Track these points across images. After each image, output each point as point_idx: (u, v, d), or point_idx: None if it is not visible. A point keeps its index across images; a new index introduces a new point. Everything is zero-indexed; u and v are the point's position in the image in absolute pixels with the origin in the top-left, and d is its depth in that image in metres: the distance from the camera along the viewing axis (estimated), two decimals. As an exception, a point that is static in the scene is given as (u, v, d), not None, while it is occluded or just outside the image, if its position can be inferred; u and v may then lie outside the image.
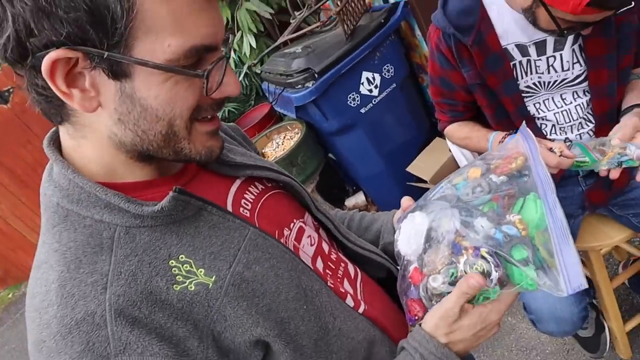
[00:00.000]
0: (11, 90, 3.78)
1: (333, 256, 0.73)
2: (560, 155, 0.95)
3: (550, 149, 0.98)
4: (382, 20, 2.11)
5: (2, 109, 3.89)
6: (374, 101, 2.21)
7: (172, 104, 0.49)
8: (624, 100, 1.07)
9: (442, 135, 2.35)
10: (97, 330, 0.46)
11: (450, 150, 2.15)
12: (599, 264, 1.29)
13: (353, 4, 2.13)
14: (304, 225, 0.71)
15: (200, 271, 0.53)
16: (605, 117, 1.09)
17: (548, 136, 1.17)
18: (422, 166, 2.22)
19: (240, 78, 2.89)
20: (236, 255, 0.56)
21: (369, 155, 2.34)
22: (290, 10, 2.51)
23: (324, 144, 2.48)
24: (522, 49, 1.06)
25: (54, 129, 0.56)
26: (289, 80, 2.12)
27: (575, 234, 1.22)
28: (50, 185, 0.53)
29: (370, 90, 2.19)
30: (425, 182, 2.19)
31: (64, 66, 0.45)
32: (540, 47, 1.04)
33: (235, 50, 2.68)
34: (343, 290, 0.69)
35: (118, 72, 0.46)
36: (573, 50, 1.03)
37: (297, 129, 2.39)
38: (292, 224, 0.69)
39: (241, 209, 0.63)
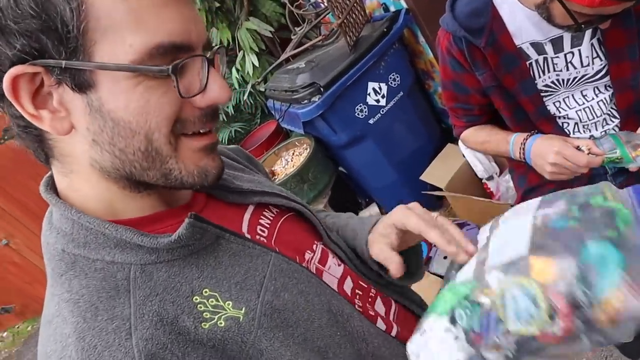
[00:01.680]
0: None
1: (362, 282, 0.69)
2: (588, 153, 0.90)
3: (578, 148, 0.93)
4: (385, 29, 2.09)
5: (12, 144, 3.92)
6: (382, 111, 2.18)
7: (145, 114, 0.44)
8: None
9: (453, 141, 2.32)
10: None
11: (463, 156, 2.11)
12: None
13: (354, 16, 2.11)
14: (326, 248, 0.66)
15: (228, 304, 0.48)
16: (631, 110, 1.04)
17: (571, 135, 1.12)
18: (436, 174, 2.17)
19: (245, 97, 2.88)
20: (262, 284, 0.52)
21: (381, 166, 2.30)
22: (291, 27, 2.50)
23: (333, 158, 2.45)
24: (538, 47, 1.01)
25: (49, 173, 0.53)
26: (294, 96, 2.09)
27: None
28: (52, 233, 0.49)
29: (378, 101, 2.16)
30: (440, 189, 2.14)
31: (28, 84, 0.42)
32: (557, 43, 1.00)
33: (238, 70, 2.67)
34: (373, 313, 0.64)
35: (82, 83, 0.42)
36: (592, 44, 0.98)
37: (305, 145, 2.36)
38: (314, 246, 0.64)
39: (257, 235, 0.59)
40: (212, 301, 0.48)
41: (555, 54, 1.01)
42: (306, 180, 2.15)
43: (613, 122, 1.09)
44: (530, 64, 1.04)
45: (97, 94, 0.43)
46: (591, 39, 0.98)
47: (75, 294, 0.45)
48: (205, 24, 2.64)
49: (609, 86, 1.03)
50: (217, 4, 2.54)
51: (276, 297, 0.51)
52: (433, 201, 2.39)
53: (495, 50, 1.02)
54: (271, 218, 0.62)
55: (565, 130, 1.11)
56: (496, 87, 1.07)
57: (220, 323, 0.47)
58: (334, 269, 0.64)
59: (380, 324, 0.64)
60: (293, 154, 2.40)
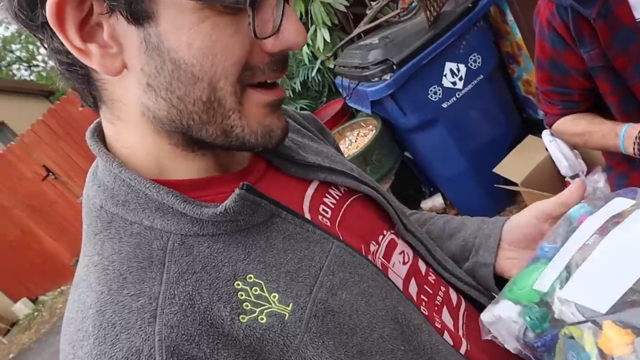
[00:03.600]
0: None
1: (431, 278, 0.58)
2: None
3: None
4: (470, 5, 1.91)
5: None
6: (458, 95, 2.01)
7: (211, 55, 0.37)
8: None
9: (535, 133, 2.10)
10: None
11: (546, 149, 1.90)
12: None
13: (436, -11, 1.95)
14: (396, 239, 0.57)
15: (274, 296, 0.41)
16: None
17: None
18: (512, 167, 1.98)
19: (313, 74, 2.82)
20: (318, 277, 0.43)
21: (451, 154, 2.15)
22: (367, 1, 2.38)
23: (400, 142, 2.33)
24: None
25: (98, 119, 0.47)
26: (364, 73, 1.99)
27: None
28: (94, 185, 0.44)
29: (454, 83, 2.00)
30: (515, 184, 1.96)
31: (75, 11, 0.36)
32: None
33: (308, 45, 2.60)
34: (440, 325, 0.54)
35: (139, 13, 0.36)
36: None
37: (371, 126, 2.26)
38: (381, 237, 0.55)
39: (320, 216, 0.50)
40: (255, 290, 0.41)
41: None
42: (369, 162, 2.06)
43: None
44: None
45: (156, 27, 0.37)
46: None
47: (105, 258, 0.40)
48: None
49: None
50: (293, -25, 2.48)
51: (332, 296, 0.43)
52: (506, 196, 2.20)
53: (608, 23, 0.86)
54: (337, 197, 0.54)
55: None
56: (604, 68, 0.91)
57: (262, 319, 0.39)
58: (397, 267, 0.55)
59: (447, 338, 0.53)
60: (358, 134, 2.31)
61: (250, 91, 0.41)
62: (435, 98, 1.99)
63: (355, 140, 2.30)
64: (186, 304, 0.38)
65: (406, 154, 2.44)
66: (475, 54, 1.99)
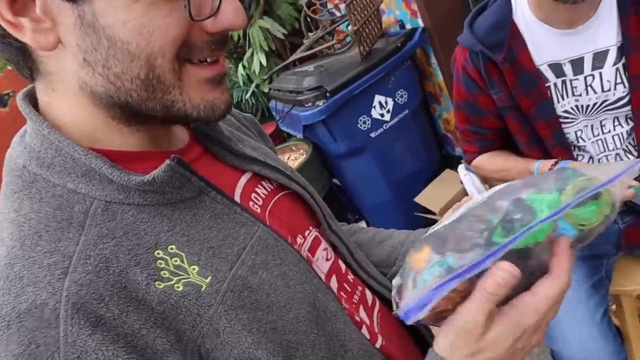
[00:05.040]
0: (10, 94, 3.70)
1: (350, 277, 0.61)
2: None
3: None
4: (399, 45, 2.07)
5: (1, 112, 3.80)
6: (385, 126, 2.13)
7: (147, 34, 0.37)
8: None
9: (452, 167, 2.27)
10: (45, 328, 0.34)
11: (461, 182, 2.06)
12: (631, 310, 1.17)
13: (369, 27, 2.09)
14: (320, 236, 0.59)
15: (193, 268, 0.41)
16: None
17: None
18: (431, 197, 2.12)
19: (247, 96, 2.83)
20: (240, 255, 0.44)
21: (376, 182, 2.24)
22: (304, 31, 2.47)
23: (329, 168, 2.39)
24: (557, 68, 0.97)
25: (30, 85, 0.46)
26: (299, 98, 2.04)
27: (610, 275, 1.10)
28: (19, 147, 0.42)
29: (382, 115, 2.12)
30: (433, 214, 2.08)
31: None
32: (577, 65, 0.96)
33: (244, 67, 2.62)
34: (358, 319, 0.57)
35: None
36: (617, 69, 0.95)
37: (302, 150, 2.30)
38: (307, 232, 0.57)
39: (251, 202, 0.52)
40: (175, 260, 0.41)
41: (574, 75, 0.97)
42: (298, 185, 2.08)
43: (629, 158, 1.04)
44: (549, 86, 1.00)
45: (90, 5, 0.37)
46: (615, 63, 0.94)
47: (22, 216, 0.38)
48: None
49: (630, 118, 0.99)
50: (233, -2, 2.51)
51: (252, 274, 0.44)
52: (425, 224, 2.33)
53: (514, 68, 0.98)
54: (269, 190, 0.56)
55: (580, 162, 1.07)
56: (512, 108, 1.03)
57: (178, 287, 0.40)
58: (321, 262, 0.57)
59: (365, 332, 0.56)
60: (288, 158, 2.34)
61: (189, 67, 0.42)
62: (364, 127, 2.09)
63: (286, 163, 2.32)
64: (101, 266, 0.37)
65: (335, 180, 2.50)
66: (402, 90, 2.13)
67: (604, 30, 0.92)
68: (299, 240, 0.55)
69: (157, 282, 0.39)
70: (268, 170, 0.56)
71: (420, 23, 2.14)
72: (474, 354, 0.39)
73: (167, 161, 0.41)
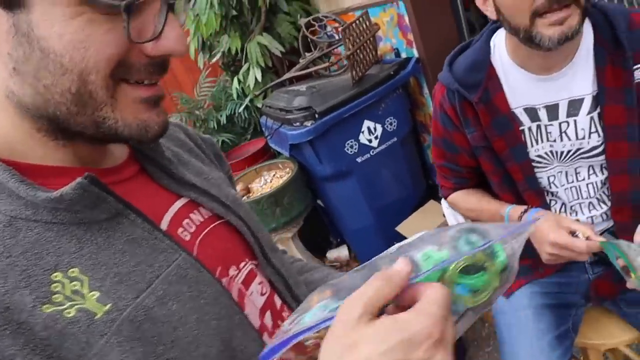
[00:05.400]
0: None
1: (285, 314, 0.59)
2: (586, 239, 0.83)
3: (574, 234, 0.85)
4: (392, 72, 2.07)
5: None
6: (372, 152, 2.12)
7: (82, 49, 0.37)
8: None
9: (437, 198, 2.26)
10: None
11: (444, 216, 2.04)
12: (598, 365, 1.14)
13: (364, 53, 2.09)
14: (255, 270, 0.57)
15: (93, 294, 0.39)
16: (625, 198, 0.98)
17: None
18: (412, 227, 2.09)
19: (241, 109, 2.83)
20: (151, 283, 0.42)
21: (359, 207, 2.22)
22: (301, 51, 2.48)
23: (314, 189, 2.37)
24: (532, 113, 0.97)
25: None
26: (287, 116, 2.04)
27: (577, 326, 1.07)
28: None
29: (370, 140, 2.11)
30: (414, 244, 2.05)
31: None
32: (552, 111, 0.95)
33: (239, 82, 2.62)
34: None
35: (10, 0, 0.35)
36: (591, 118, 0.94)
37: (288, 169, 2.28)
38: (242, 264, 0.55)
39: (181, 229, 0.50)
40: (74, 285, 0.38)
41: (549, 121, 0.97)
42: (280, 204, 2.06)
43: (602, 207, 1.03)
44: (523, 130, 0.99)
45: (27, 15, 0.36)
46: (590, 112, 0.94)
47: None
48: (218, 29, 2.61)
49: (605, 167, 0.98)
50: (235, 13, 2.52)
51: (160, 305, 0.42)
52: (404, 255, 2.30)
53: (489, 109, 0.97)
54: (205, 217, 0.54)
55: (552, 208, 1.05)
56: (485, 149, 1.02)
57: (69, 312, 0.37)
58: (255, 297, 0.55)
59: None
60: (274, 175, 2.32)
61: (125, 86, 0.41)
62: (351, 151, 2.08)
63: (271, 180, 2.30)
64: None
65: (319, 201, 2.48)
66: (392, 118, 2.13)
67: (579, 79, 0.91)
68: (232, 271, 0.53)
69: (45, 306, 0.37)
70: (205, 197, 0.54)
71: (415, 53, 2.15)
72: (349, 346, 0.32)
73: (79, 179, 0.39)
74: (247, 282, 0.54)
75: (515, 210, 1.00)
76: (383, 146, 2.14)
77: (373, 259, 0.44)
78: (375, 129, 2.10)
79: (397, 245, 0.44)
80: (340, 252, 2.66)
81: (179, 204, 0.52)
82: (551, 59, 0.89)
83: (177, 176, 0.52)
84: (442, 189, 1.22)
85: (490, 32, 1.00)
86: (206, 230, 0.52)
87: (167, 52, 0.41)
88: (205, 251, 0.50)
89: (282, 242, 2.26)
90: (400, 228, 2.15)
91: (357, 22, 2.00)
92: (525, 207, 0.99)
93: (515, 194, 1.04)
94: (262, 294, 0.56)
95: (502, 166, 1.02)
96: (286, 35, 2.65)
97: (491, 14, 0.89)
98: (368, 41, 2.12)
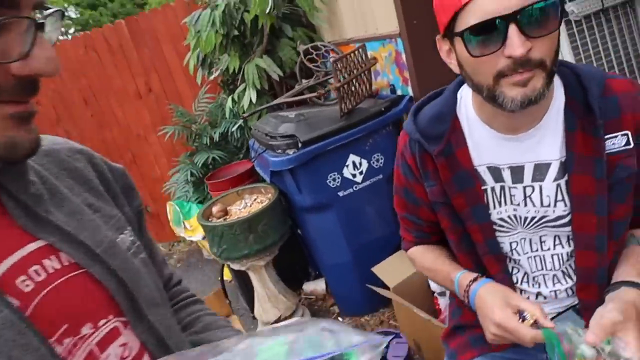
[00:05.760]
0: None
1: None
2: (533, 323, 0.75)
3: (522, 316, 0.77)
4: (383, 109, 2.02)
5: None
6: (355, 187, 2.06)
7: None
8: (616, 270, 0.88)
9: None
10: None
11: (422, 261, 1.95)
12: None
13: (357, 85, 2.05)
14: (122, 329, 0.50)
15: None
16: (591, 274, 0.90)
17: (518, 285, 0.97)
18: (388, 270, 2.00)
19: (234, 129, 2.79)
20: None
21: (337, 242, 2.14)
22: (298, 77, 2.46)
23: (293, 218, 2.30)
24: (496, 172, 0.90)
25: None
26: (271, 142, 1.99)
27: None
28: None
29: (354, 175, 2.05)
30: (388, 288, 1.96)
31: None
32: (517, 173, 0.88)
33: (234, 101, 2.60)
34: None
35: None
36: (558, 185, 0.86)
37: (270, 194, 2.22)
38: (103, 321, 0.48)
39: (23, 278, 0.43)
40: None
41: (513, 183, 0.89)
42: (254, 231, 1.99)
43: (567, 282, 0.94)
44: (486, 190, 0.91)
45: None
46: (556, 179, 0.86)
47: None
48: (218, 47, 2.61)
49: (571, 239, 0.90)
50: (236, 33, 2.52)
51: None
52: (379, 298, 2.20)
53: (450, 163, 0.91)
54: (63, 265, 0.47)
55: (513, 277, 0.97)
56: (444, 205, 0.95)
57: None
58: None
59: None
60: (255, 199, 2.26)
61: None
62: (333, 185, 2.02)
63: (251, 204, 2.24)
64: None
65: (299, 231, 2.40)
66: (379, 154, 2.07)
67: (547, 142, 0.85)
68: (86, 330, 0.46)
69: None
70: (68, 243, 0.48)
71: (410, 91, 2.11)
72: None
73: None
74: (104, 342, 0.47)
75: (465, 277, 0.92)
76: (367, 182, 2.07)
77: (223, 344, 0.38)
78: (360, 164, 2.04)
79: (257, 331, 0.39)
80: (317, 285, 2.57)
81: (31, 247, 0.45)
82: (517, 120, 0.83)
83: (40, 215, 0.46)
84: (403, 241, 1.14)
85: (457, 84, 0.94)
86: (59, 281, 0.46)
87: (35, 72, 0.40)
88: (49, 306, 0.44)
89: (254, 270, 2.18)
90: (377, 269, 2.05)
91: (351, 54, 1.96)
92: (476, 275, 0.91)
93: (473, 256, 0.96)
94: (122, 358, 0.49)
95: (461, 225, 0.94)
96: (287, 60, 2.64)
97: (454, 68, 0.83)
98: (363, 74, 2.08)
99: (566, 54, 2.18)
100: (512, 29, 0.69)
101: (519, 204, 0.90)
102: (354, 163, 2.03)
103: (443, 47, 0.83)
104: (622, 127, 0.81)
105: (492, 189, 0.91)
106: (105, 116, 3.62)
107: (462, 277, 0.93)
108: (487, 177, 0.90)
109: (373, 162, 2.06)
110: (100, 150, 3.73)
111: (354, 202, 2.06)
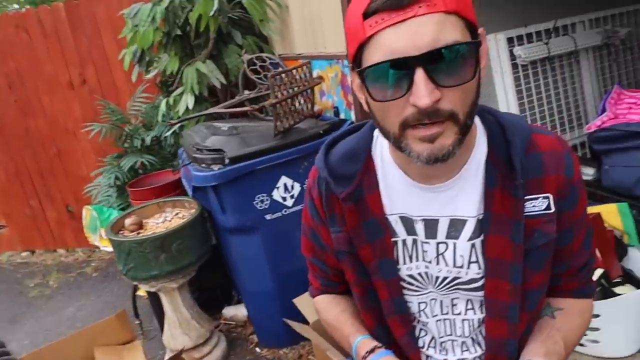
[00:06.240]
0: None
1: None
2: None
3: None
4: (322, 131, 1.91)
5: None
6: (285, 211, 1.92)
7: None
8: (526, 345, 0.79)
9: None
10: None
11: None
12: None
13: (297, 104, 1.94)
14: None
15: None
16: (501, 345, 0.80)
17: (424, 350, 0.86)
18: (310, 303, 1.86)
19: (168, 133, 2.59)
20: None
21: (261, 269, 1.99)
22: (240, 87, 2.31)
23: (217, 237, 2.12)
24: (408, 224, 0.79)
25: None
26: (196, 155, 1.82)
27: None
28: None
29: (284, 198, 1.91)
30: (307, 323, 1.82)
31: None
32: (431, 227, 0.78)
33: (169, 105, 2.41)
34: None
35: None
36: (472, 245, 0.77)
37: (193, 210, 2.04)
38: None
39: None
40: None
41: (426, 238, 0.79)
42: (167, 250, 1.80)
43: (475, 351, 0.84)
44: (396, 242, 0.80)
45: None
46: (471, 238, 0.76)
47: None
48: (157, 44, 2.42)
49: (484, 305, 0.80)
50: (179, 32, 2.34)
51: None
52: (292, 335, 2.05)
53: (359, 209, 0.79)
54: None
55: (420, 340, 0.86)
56: (349, 255, 0.83)
57: None
58: None
59: None
60: (176, 214, 2.07)
61: None
62: (260, 207, 1.87)
63: (171, 219, 2.05)
64: None
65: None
66: (314, 179, 1.95)
67: (465, 197, 0.75)
68: None
69: None
70: None
71: (353, 116, 2.01)
72: None
73: None
74: None
75: (363, 345, 0.81)
76: (298, 207, 1.94)
77: None
78: (292, 187, 1.91)
79: None
80: (239, 311, 2.39)
81: None
82: (433, 169, 0.72)
83: None
84: (310, 286, 1.02)
85: None
86: None
87: None
88: None
89: (166, 293, 1.98)
90: (298, 301, 1.91)
91: (294, 71, 1.84)
92: (374, 345, 0.79)
93: (377, 314, 0.84)
94: None
95: (367, 278, 0.83)
96: (234, 67, 2.48)
97: (364, 105, 0.71)
98: (305, 93, 1.97)
99: (510, 97, 2.18)
100: (420, 75, 0.57)
101: (430, 262, 0.80)
102: (285, 185, 1.89)
103: (355, 79, 0.71)
104: (544, 189, 0.72)
105: (404, 241, 0.80)
106: (31, 103, 3.29)
107: (360, 344, 0.81)
108: (398, 228, 0.80)
109: (306, 187, 1.93)
110: (21, 140, 3.41)
111: (282, 227, 1.92)
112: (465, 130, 0.63)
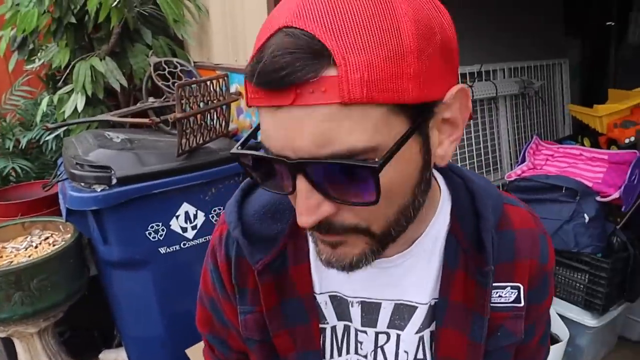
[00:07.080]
0: None
1: None
2: None
3: None
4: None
5: None
6: (184, 244, 1.63)
7: None
8: None
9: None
10: None
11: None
12: None
13: (208, 120, 1.68)
14: None
15: None
16: None
17: None
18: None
19: (49, 138, 2.17)
20: None
21: (149, 311, 1.67)
22: (144, 93, 2.00)
23: (99, 269, 1.76)
24: (341, 306, 0.60)
25: None
26: (74, 170, 1.47)
27: None
28: None
29: (185, 229, 1.63)
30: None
31: None
32: (370, 312, 0.59)
33: (52, 104, 2.00)
34: None
35: None
36: (421, 339, 0.59)
37: (69, 235, 1.67)
38: None
39: None
40: None
41: (363, 326, 0.60)
42: (24, 288, 1.42)
43: None
44: (324, 330, 0.61)
45: None
46: (420, 330, 0.59)
47: None
48: (44, 31, 2.03)
49: None
50: (74, 20, 1.97)
51: None
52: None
53: (279, 284, 0.58)
54: None
55: None
56: (261, 344, 0.61)
57: None
58: None
59: None
60: (46, 239, 1.68)
61: None
62: (154, 238, 1.57)
63: (39, 244, 1.65)
64: None
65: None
66: (222, 208, 1.69)
67: (416, 278, 0.57)
68: None
69: None
70: None
71: (272, 140, 1.81)
72: None
73: None
74: None
75: None
76: (200, 240, 1.67)
77: None
78: (195, 216, 1.64)
79: None
80: (119, 355, 2.02)
81: None
82: None
83: None
84: None
85: None
86: None
87: None
88: None
89: (21, 338, 1.57)
90: (192, 351, 1.63)
91: (207, 83, 1.60)
92: None
93: None
94: None
95: None
96: (139, 69, 2.15)
97: None
98: (219, 109, 1.72)
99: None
100: (301, 184, 0.40)
101: (366, 356, 0.61)
102: (187, 214, 1.61)
103: None
104: (514, 277, 0.57)
105: (333, 329, 0.60)
106: None
107: None
108: (328, 311, 0.60)
109: (212, 217, 1.67)
110: None
111: (178, 262, 1.63)
112: (385, 241, 0.46)
